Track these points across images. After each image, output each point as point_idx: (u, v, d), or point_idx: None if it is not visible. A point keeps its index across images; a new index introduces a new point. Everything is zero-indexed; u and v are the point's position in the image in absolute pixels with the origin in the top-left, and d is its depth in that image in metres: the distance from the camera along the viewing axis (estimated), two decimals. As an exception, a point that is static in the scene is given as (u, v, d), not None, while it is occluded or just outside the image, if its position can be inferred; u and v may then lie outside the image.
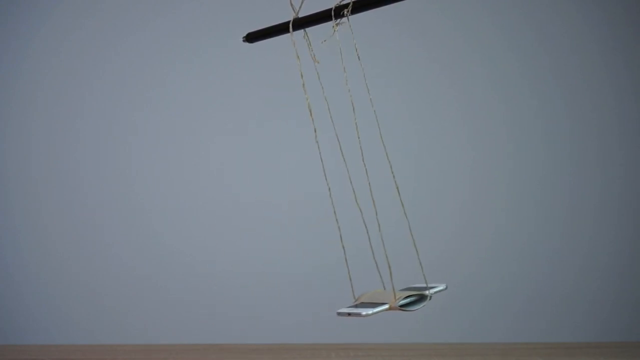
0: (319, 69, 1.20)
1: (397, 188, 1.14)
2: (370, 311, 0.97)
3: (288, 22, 1.14)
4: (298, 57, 1.17)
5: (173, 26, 2.57)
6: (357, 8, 1.07)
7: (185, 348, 2.29)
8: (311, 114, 1.18)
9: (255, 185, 2.53)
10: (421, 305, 1.02)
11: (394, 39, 2.58)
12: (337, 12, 1.09)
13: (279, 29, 1.17)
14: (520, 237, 2.56)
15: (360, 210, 1.14)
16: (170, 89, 2.56)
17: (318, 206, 2.45)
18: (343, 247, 1.17)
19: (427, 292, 1.02)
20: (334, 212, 1.19)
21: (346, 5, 1.08)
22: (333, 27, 1.10)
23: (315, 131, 1.20)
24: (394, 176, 1.12)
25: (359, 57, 1.11)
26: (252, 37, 1.20)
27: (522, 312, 2.53)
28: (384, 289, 1.10)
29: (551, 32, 2.60)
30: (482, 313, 2.52)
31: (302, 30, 1.17)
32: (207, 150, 2.56)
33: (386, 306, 1.00)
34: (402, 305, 1.01)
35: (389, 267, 1.10)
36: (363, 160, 1.16)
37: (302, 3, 1.13)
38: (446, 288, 1.07)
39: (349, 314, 0.99)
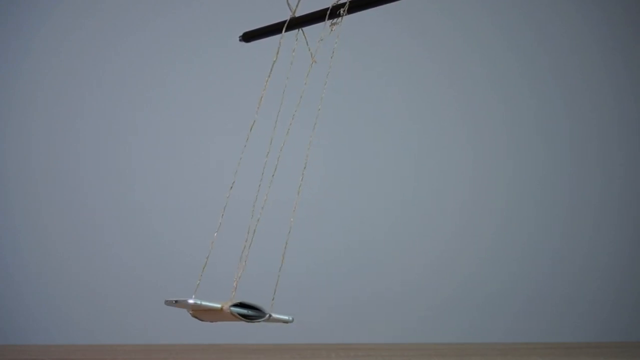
0: (316, 68, 1.20)
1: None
2: (198, 301, 0.96)
3: (284, 22, 1.14)
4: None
5: (173, 26, 2.57)
6: (353, 7, 1.07)
7: (185, 348, 2.29)
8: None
9: (255, 185, 2.53)
10: (258, 320, 1.01)
11: (393, 39, 2.58)
12: (334, 12, 1.09)
13: (275, 29, 1.17)
14: (520, 237, 2.56)
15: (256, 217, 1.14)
16: (169, 88, 2.56)
17: (318, 206, 2.45)
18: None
19: (266, 311, 1.02)
20: (221, 216, 1.18)
21: (343, 5, 1.08)
22: (330, 26, 1.10)
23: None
24: (299, 190, 1.12)
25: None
26: (248, 37, 1.20)
27: (522, 312, 2.53)
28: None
29: (551, 32, 2.60)
30: (482, 313, 2.52)
31: (300, 29, 1.17)
32: (206, 149, 2.56)
33: (218, 305, 0.99)
34: (238, 313, 1.00)
35: (236, 279, 1.10)
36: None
37: (298, 2, 1.13)
38: (292, 321, 1.06)
39: (176, 302, 0.98)
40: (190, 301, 0.92)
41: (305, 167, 1.04)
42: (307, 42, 1.18)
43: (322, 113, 1.27)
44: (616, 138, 2.57)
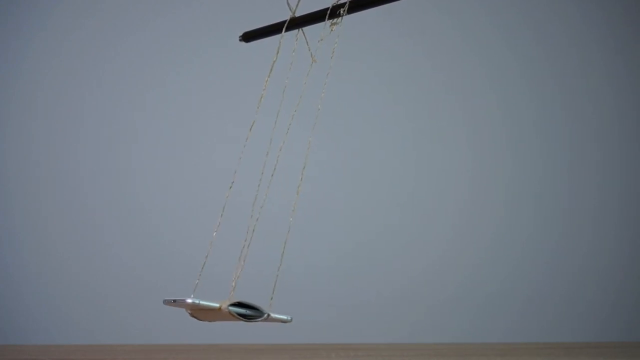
0: (316, 68, 1.20)
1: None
2: (197, 300, 0.96)
3: (284, 22, 1.14)
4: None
5: (173, 26, 2.57)
6: (353, 7, 1.07)
7: (185, 348, 2.29)
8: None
9: (255, 185, 2.53)
10: (256, 320, 1.01)
11: (392, 39, 2.58)
12: (334, 12, 1.09)
13: (276, 28, 1.17)
14: (520, 237, 2.56)
15: (256, 219, 1.14)
16: (169, 88, 2.56)
17: (318, 206, 2.45)
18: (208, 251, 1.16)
19: (264, 310, 1.02)
20: (220, 216, 1.19)
21: (343, 5, 1.08)
22: (330, 26, 1.10)
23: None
24: (299, 186, 1.12)
25: (332, 56, 1.11)
26: (248, 37, 1.20)
27: (522, 312, 2.53)
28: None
29: (550, 32, 2.60)
30: (482, 313, 2.52)
31: (300, 29, 1.17)
32: (206, 149, 2.56)
33: (217, 305, 0.99)
34: (237, 312, 1.00)
35: (235, 278, 1.10)
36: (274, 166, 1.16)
37: (298, 2, 1.13)
38: (291, 320, 1.06)
39: (174, 301, 0.98)
40: (189, 300, 0.93)
41: (304, 167, 1.05)
42: (307, 42, 1.18)
43: (322, 113, 1.27)
44: (616, 138, 2.57)
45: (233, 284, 1.00)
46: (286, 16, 1.19)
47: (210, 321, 0.99)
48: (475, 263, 2.54)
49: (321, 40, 1.11)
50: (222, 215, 1.07)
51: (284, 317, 1.02)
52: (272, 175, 1.12)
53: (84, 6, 2.56)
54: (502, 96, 2.59)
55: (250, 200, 2.58)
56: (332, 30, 1.11)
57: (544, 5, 2.61)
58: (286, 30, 1.14)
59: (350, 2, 1.07)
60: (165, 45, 2.57)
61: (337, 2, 1.09)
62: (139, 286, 2.49)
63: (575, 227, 2.55)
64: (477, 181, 2.57)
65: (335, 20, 1.09)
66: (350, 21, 1.11)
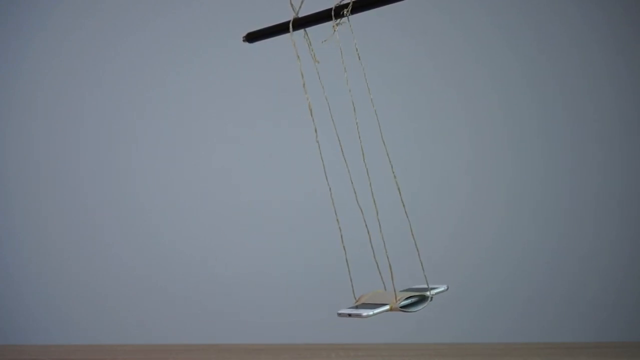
0: (319, 69, 1.20)
1: (399, 188, 1.14)
2: (371, 312, 0.97)
3: (288, 22, 1.14)
4: (298, 57, 1.17)
5: (173, 26, 2.57)
6: (357, 8, 1.07)
7: (185, 348, 2.29)
8: (312, 114, 1.18)
9: (255, 185, 2.53)
10: (422, 307, 1.02)
11: (394, 39, 2.58)
12: (337, 12, 1.09)
13: (279, 29, 1.17)
14: (520, 237, 2.56)
15: (361, 210, 1.14)
16: (170, 89, 2.56)
17: (318, 206, 2.45)
18: (344, 247, 1.17)
19: (428, 293, 1.02)
20: (335, 212, 1.19)
21: (346, 5, 1.08)
22: (333, 27, 1.10)
23: (315, 131, 1.20)
24: (395, 176, 1.12)
25: (359, 57, 1.11)
26: (252, 37, 1.20)
27: (522, 312, 2.53)
28: (385, 289, 1.10)
29: (551, 32, 2.60)
30: (482, 313, 2.52)
31: (302, 30, 1.17)
32: (207, 149, 2.56)
33: (387, 307, 1.00)
34: (403, 306, 1.01)
35: (390, 267, 1.11)
36: (364, 160, 1.16)
37: (302, 3, 1.13)
38: (447, 289, 1.07)
39: (350, 315, 0.99)
40: (364, 314, 0.94)
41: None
42: (310, 43, 1.17)
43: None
44: (617, 138, 2.57)
45: (391, 280, 1.00)
46: (288, 16, 1.19)
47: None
48: (475, 263, 2.54)
49: (325, 41, 1.11)
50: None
51: (442, 288, 1.03)
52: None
53: (84, 6, 2.56)
54: (504, 96, 2.59)
55: (251, 200, 2.57)
56: (335, 30, 1.10)
57: (546, 5, 2.61)
58: (290, 31, 1.14)
59: (353, 2, 1.07)
60: (166, 45, 2.56)
61: (341, 2, 1.09)
62: (139, 286, 2.49)
63: (576, 227, 2.55)
64: (477, 181, 2.57)
65: (338, 20, 1.09)
66: (354, 21, 1.11)
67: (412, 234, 1.13)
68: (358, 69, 1.19)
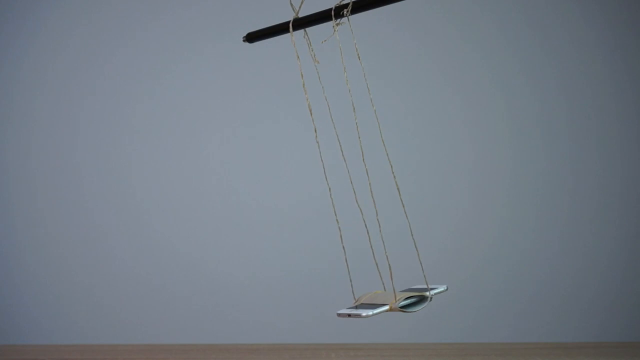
0: (319, 69, 1.20)
1: (398, 188, 1.14)
2: (370, 312, 0.97)
3: (288, 22, 1.14)
4: (298, 57, 1.17)
5: (173, 26, 2.57)
6: (357, 8, 1.07)
7: (185, 348, 2.29)
8: (311, 114, 1.18)
9: (255, 185, 2.53)
10: (422, 307, 1.02)
11: (394, 39, 2.58)
12: (337, 12, 1.09)
13: (279, 29, 1.17)
14: (520, 237, 2.56)
15: (361, 210, 1.14)
16: (170, 89, 2.56)
17: (318, 206, 2.45)
18: (343, 248, 1.17)
19: (427, 294, 1.02)
20: (334, 212, 1.19)
21: (346, 5, 1.08)
22: (333, 27, 1.10)
23: (315, 131, 1.20)
24: (394, 176, 1.12)
25: (359, 57, 1.11)
26: (252, 37, 1.20)
27: (522, 312, 2.53)
28: (384, 289, 1.10)
29: (552, 32, 2.60)
30: (482, 313, 2.52)
31: (302, 30, 1.17)
32: (207, 150, 2.56)
33: (386, 307, 1.00)
34: (402, 307, 1.01)
35: (390, 267, 1.11)
36: (363, 160, 1.16)
37: (302, 3, 1.13)
38: (447, 289, 1.07)
39: (349, 315, 0.99)
40: (364, 314, 0.95)
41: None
42: (309, 43, 1.17)
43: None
44: (617, 138, 2.57)
45: (390, 280, 1.00)
46: (288, 16, 1.19)
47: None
48: (476, 263, 2.54)
49: (324, 41, 1.11)
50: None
51: (442, 288, 1.03)
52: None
53: (84, 6, 2.56)
54: (505, 96, 2.59)
55: (251, 201, 2.57)
56: (335, 31, 1.11)
57: (547, 5, 2.61)
58: (290, 31, 1.14)
59: (353, 2, 1.07)
60: (166, 45, 2.56)
61: (341, 2, 1.09)
62: (139, 286, 2.49)
63: (576, 227, 2.55)
64: (477, 181, 2.57)
65: (339, 20, 1.09)
66: (354, 22, 1.11)
67: (412, 234, 1.13)
68: (358, 69, 1.19)
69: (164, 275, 2.50)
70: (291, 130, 2.52)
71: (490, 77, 2.60)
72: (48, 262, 2.48)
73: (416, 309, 1.02)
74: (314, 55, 1.17)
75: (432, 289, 1.05)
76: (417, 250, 1.11)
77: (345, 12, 1.08)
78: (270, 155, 2.55)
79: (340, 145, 1.18)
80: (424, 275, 1.10)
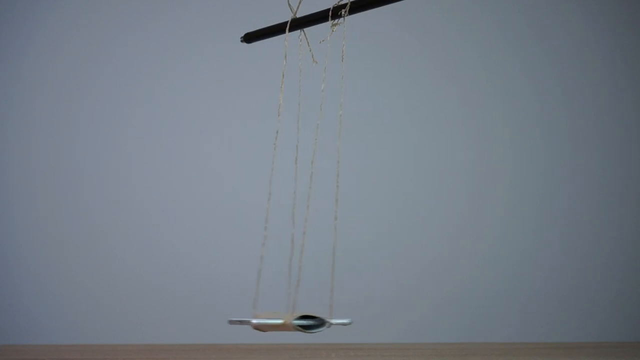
0: (317, 69, 1.20)
1: (338, 200, 1.14)
2: (262, 321, 0.97)
3: (286, 23, 1.14)
4: (286, 57, 1.17)
5: (171, 26, 2.57)
6: (354, 8, 1.07)
7: (185, 348, 2.29)
8: (279, 115, 1.18)
9: (255, 185, 2.54)
10: (319, 330, 1.01)
11: (393, 39, 2.58)
12: (335, 13, 1.09)
13: (277, 30, 1.17)
14: (520, 237, 2.56)
15: (294, 223, 1.15)
16: (169, 89, 2.56)
17: (318, 206, 2.45)
18: (262, 258, 1.17)
19: (326, 319, 1.02)
20: (266, 219, 1.18)
21: (344, 6, 1.08)
22: (331, 27, 1.10)
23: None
24: (338, 186, 1.12)
25: (342, 59, 1.11)
26: (249, 38, 1.20)
27: (522, 312, 2.53)
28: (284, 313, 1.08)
29: (552, 32, 2.60)
30: (482, 313, 2.53)
31: (300, 30, 1.17)
32: (206, 150, 2.56)
33: (281, 321, 1.00)
34: (302, 326, 1.00)
35: (298, 285, 1.10)
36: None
37: (299, 3, 1.13)
38: (351, 323, 1.06)
39: (240, 322, 0.99)
40: (254, 322, 0.95)
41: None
42: (308, 43, 1.18)
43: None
44: (617, 138, 2.57)
45: (293, 297, 1.01)
46: (284, 17, 1.19)
47: (275, 330, 1.01)
48: (476, 263, 2.54)
49: (322, 41, 1.11)
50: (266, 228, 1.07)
51: (344, 321, 1.03)
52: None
53: (84, 6, 2.56)
54: (503, 96, 2.59)
55: (251, 200, 2.58)
56: (333, 31, 1.11)
57: (547, 5, 2.61)
58: (288, 31, 1.14)
59: (351, 3, 1.07)
60: (164, 45, 2.57)
61: (338, 3, 1.09)
62: (139, 286, 2.49)
63: (576, 227, 2.55)
64: (477, 181, 2.57)
65: (336, 21, 1.09)
66: (354, 22, 1.11)
67: (333, 267, 1.12)
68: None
69: (164, 275, 2.50)
70: (291, 130, 2.52)
71: (490, 77, 2.60)
72: (48, 262, 2.48)
73: (313, 331, 1.02)
74: (313, 55, 1.18)
75: (334, 320, 1.04)
76: (332, 285, 1.10)
77: (343, 13, 1.08)
78: (269, 155, 2.54)
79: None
80: (331, 305, 1.09)
